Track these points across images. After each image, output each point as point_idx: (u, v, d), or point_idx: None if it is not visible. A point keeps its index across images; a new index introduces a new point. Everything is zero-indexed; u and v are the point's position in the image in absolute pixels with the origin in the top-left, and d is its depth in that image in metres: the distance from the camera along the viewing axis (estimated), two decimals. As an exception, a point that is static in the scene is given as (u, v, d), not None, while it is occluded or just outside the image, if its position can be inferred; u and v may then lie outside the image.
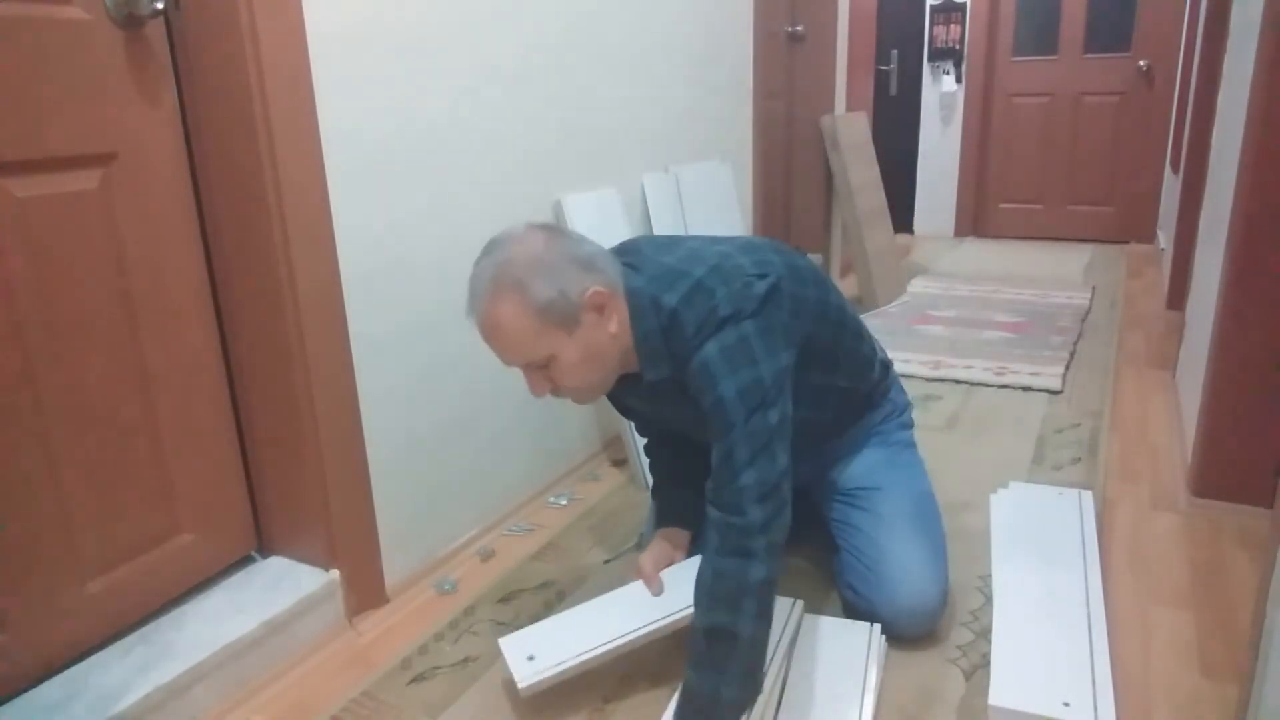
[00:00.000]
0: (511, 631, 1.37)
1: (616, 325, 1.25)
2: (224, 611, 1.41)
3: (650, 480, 1.68)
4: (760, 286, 1.25)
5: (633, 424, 1.66)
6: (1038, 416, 2.40)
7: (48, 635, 1.25)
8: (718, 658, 1.17)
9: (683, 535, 1.53)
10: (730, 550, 1.17)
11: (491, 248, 1.22)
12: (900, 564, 1.41)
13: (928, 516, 1.50)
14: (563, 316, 1.19)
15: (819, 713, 1.23)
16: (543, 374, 1.25)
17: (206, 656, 1.31)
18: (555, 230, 1.26)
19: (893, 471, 1.55)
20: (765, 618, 1.20)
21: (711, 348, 1.21)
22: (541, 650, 1.31)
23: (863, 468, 1.55)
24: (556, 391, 1.27)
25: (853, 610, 1.47)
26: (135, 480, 1.34)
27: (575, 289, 1.20)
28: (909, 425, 1.67)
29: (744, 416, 1.19)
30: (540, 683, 1.28)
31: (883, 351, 1.63)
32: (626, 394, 1.46)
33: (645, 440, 1.70)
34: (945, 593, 1.44)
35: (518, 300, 1.18)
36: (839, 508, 1.54)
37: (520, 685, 1.27)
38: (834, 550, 1.55)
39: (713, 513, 1.20)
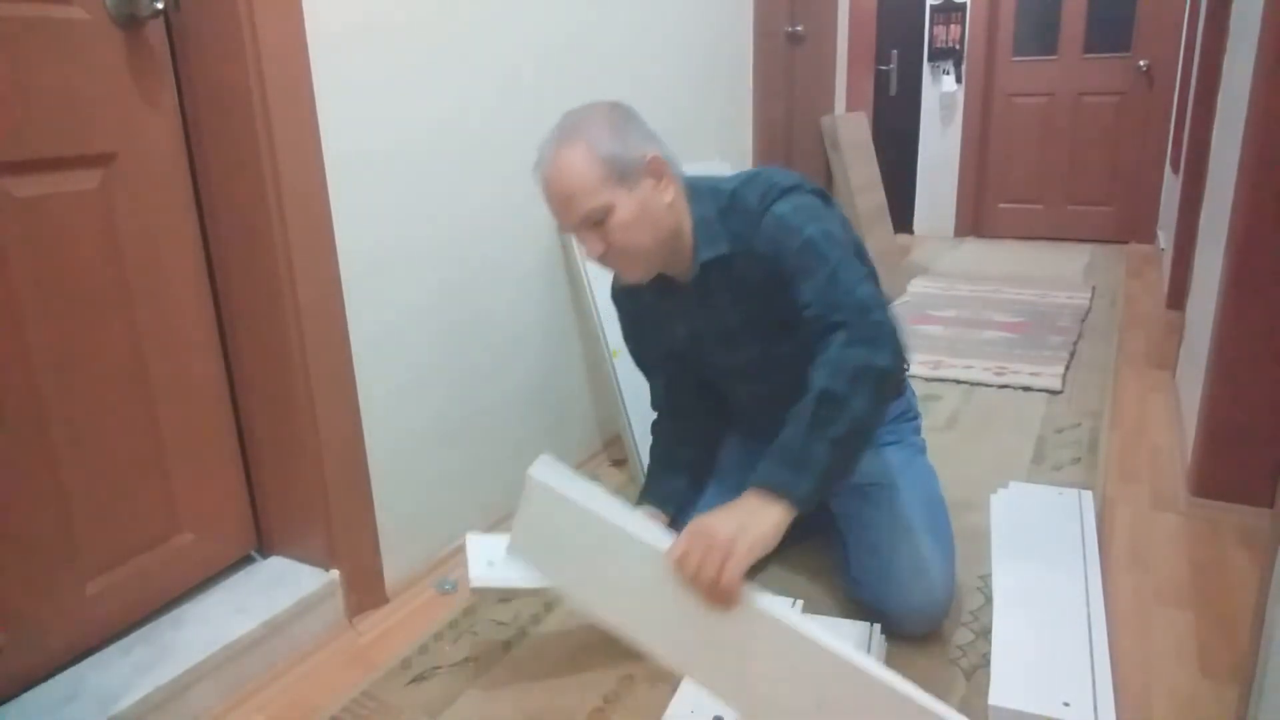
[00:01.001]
0: (495, 577, 1.38)
1: (672, 197, 1.35)
2: (224, 611, 1.41)
3: (645, 464, 1.70)
4: (810, 184, 1.39)
5: (652, 392, 1.68)
6: (1038, 416, 2.40)
7: (48, 635, 1.25)
8: (821, 418, 1.18)
9: (662, 518, 1.54)
10: (859, 340, 1.22)
11: (569, 114, 1.33)
12: (913, 562, 1.41)
13: (940, 518, 1.51)
14: (624, 171, 1.28)
15: (819, 713, 1.23)
16: (598, 232, 1.30)
17: (206, 656, 1.31)
18: (625, 106, 1.36)
19: (908, 471, 1.56)
20: (876, 410, 1.22)
21: (783, 206, 1.34)
22: (501, 562, 1.34)
23: (879, 464, 1.55)
24: (607, 256, 1.32)
25: (856, 605, 1.48)
26: (135, 480, 1.34)
27: (636, 151, 1.30)
28: (920, 432, 1.71)
29: (837, 253, 1.29)
30: (488, 589, 1.38)
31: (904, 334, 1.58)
32: (661, 324, 1.53)
33: (656, 417, 1.68)
34: (953, 594, 1.44)
35: (584, 148, 1.27)
36: (851, 502, 1.54)
37: (471, 584, 1.37)
38: (837, 545, 1.56)
39: (832, 327, 1.25)
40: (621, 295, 1.61)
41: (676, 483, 1.59)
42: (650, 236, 1.33)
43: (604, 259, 1.33)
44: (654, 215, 1.32)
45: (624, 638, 1.14)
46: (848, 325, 1.24)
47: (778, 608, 1.04)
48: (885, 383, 1.22)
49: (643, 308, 1.56)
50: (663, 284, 1.44)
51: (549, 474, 1.21)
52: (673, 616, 1.09)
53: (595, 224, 1.29)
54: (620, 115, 1.32)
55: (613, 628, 1.15)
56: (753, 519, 1.12)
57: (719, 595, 1.03)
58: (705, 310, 1.47)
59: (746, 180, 1.39)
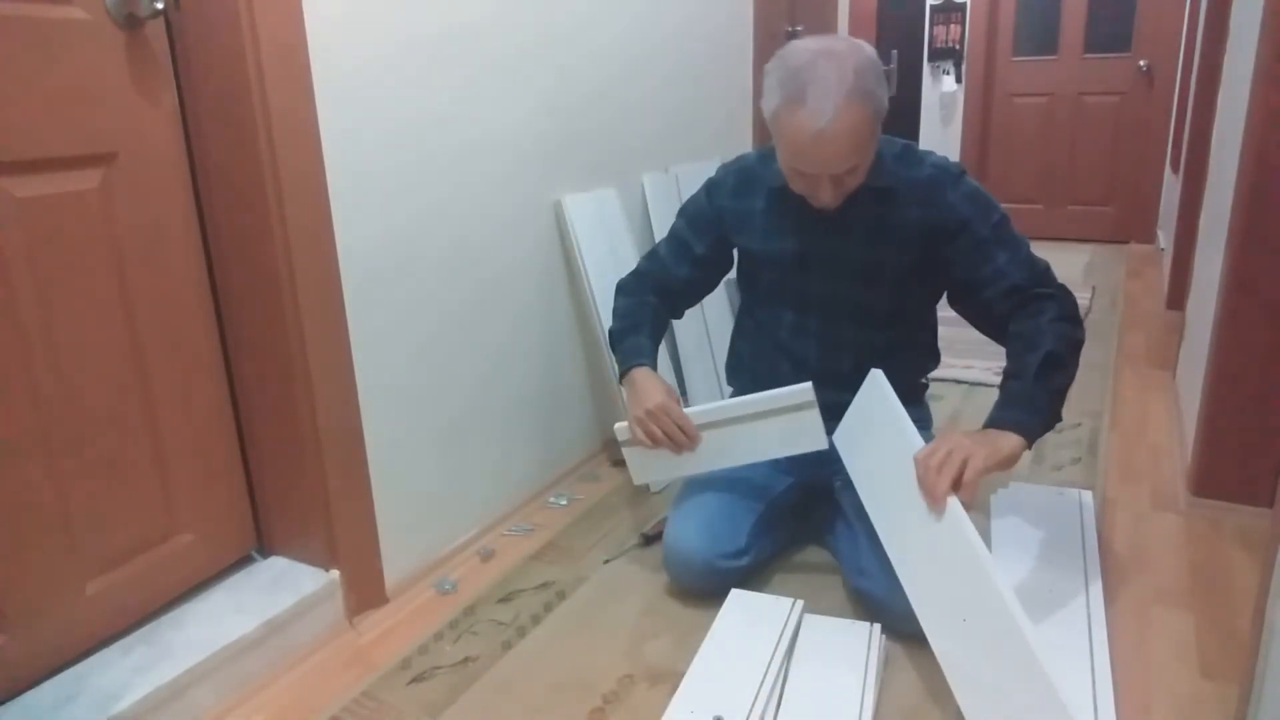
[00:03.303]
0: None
1: None
2: (224, 611, 1.41)
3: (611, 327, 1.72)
4: None
5: (651, 259, 1.75)
6: (1038, 416, 2.40)
7: (48, 635, 1.25)
8: (1047, 373, 1.36)
9: (655, 374, 1.59)
10: (1068, 316, 1.42)
11: (831, 52, 1.30)
12: None
13: None
14: (880, 125, 1.36)
15: (819, 712, 1.23)
16: (837, 181, 1.37)
17: (206, 656, 1.31)
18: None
19: None
20: (1072, 378, 1.41)
21: (975, 183, 1.49)
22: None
23: None
24: (836, 199, 1.40)
25: (861, 598, 1.48)
26: (135, 480, 1.34)
27: (886, 102, 1.36)
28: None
29: (1024, 238, 1.50)
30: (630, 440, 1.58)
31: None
32: (767, 232, 1.58)
33: (629, 276, 1.74)
34: None
35: (870, 111, 1.30)
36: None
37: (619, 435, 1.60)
38: (844, 539, 1.57)
39: (1040, 298, 1.44)
40: (725, 193, 1.64)
41: (643, 342, 1.63)
42: (863, 176, 1.42)
43: (829, 204, 1.41)
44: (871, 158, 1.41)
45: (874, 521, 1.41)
46: (1058, 300, 1.44)
47: (976, 538, 1.20)
48: (1080, 353, 1.42)
49: (747, 212, 1.61)
50: (794, 200, 1.49)
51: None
52: (904, 504, 1.31)
53: (840, 175, 1.36)
54: (878, 64, 1.35)
55: (869, 509, 1.43)
56: (997, 440, 1.31)
57: (946, 482, 1.22)
58: (832, 236, 1.52)
59: (911, 145, 1.52)
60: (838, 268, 1.55)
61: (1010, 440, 1.31)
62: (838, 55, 1.29)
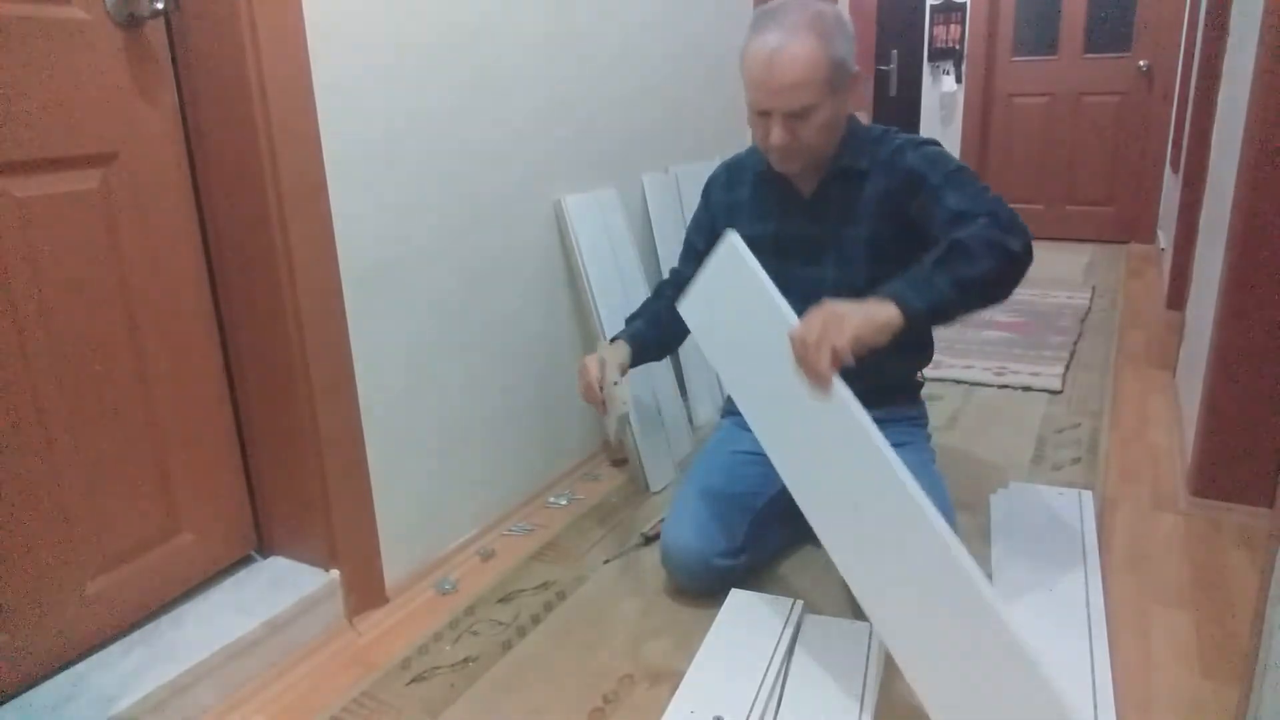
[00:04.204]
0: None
1: (849, 109, 1.49)
2: (224, 611, 1.41)
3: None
4: None
5: (674, 272, 1.80)
6: (1038, 416, 2.40)
7: (48, 635, 1.25)
8: (949, 261, 1.30)
9: (626, 353, 1.62)
10: (998, 226, 1.32)
11: (803, 2, 1.39)
12: None
13: (950, 520, 1.51)
14: (839, 79, 1.40)
15: (819, 713, 1.23)
16: (790, 124, 1.40)
17: (206, 656, 1.31)
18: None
19: (923, 474, 1.55)
20: (998, 282, 1.32)
21: (939, 148, 1.48)
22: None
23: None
24: (784, 147, 1.42)
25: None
26: (135, 480, 1.34)
27: (852, 63, 1.42)
28: (930, 440, 1.75)
29: (985, 185, 1.42)
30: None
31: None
32: (749, 219, 1.62)
33: (656, 286, 1.81)
34: None
35: (821, 46, 1.36)
36: None
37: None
38: None
39: (975, 219, 1.34)
40: (718, 187, 1.72)
41: (649, 333, 1.70)
42: (827, 141, 1.46)
43: (779, 148, 1.43)
44: (838, 123, 1.46)
45: (736, 401, 1.38)
46: (992, 216, 1.34)
47: (868, 420, 1.16)
48: (1012, 262, 1.32)
49: (735, 201, 1.67)
50: (775, 184, 1.56)
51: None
52: (780, 388, 1.25)
53: (794, 116, 1.39)
54: (847, 22, 1.42)
55: (731, 391, 1.39)
56: (869, 308, 1.25)
57: (826, 356, 1.17)
58: (807, 219, 1.55)
59: (891, 129, 1.55)
60: (814, 249, 1.57)
61: (887, 309, 1.25)
62: (806, 2, 1.39)
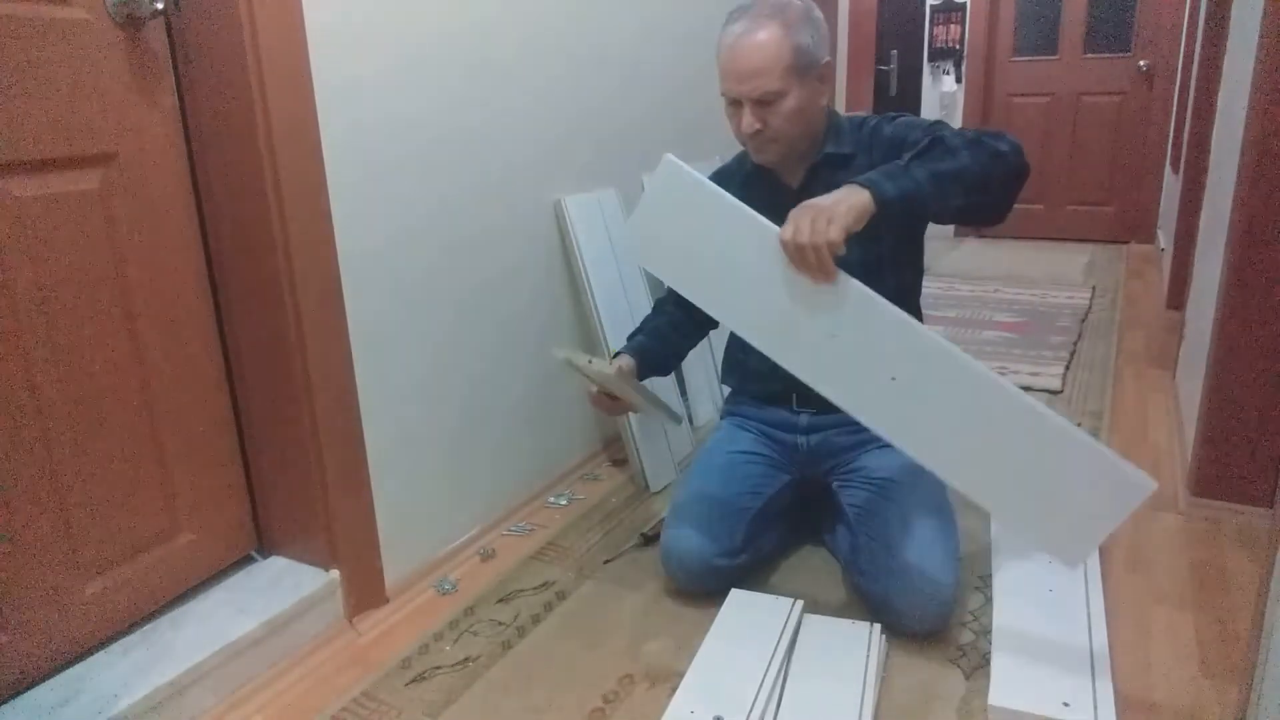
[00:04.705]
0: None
1: (825, 100, 1.52)
2: (224, 611, 1.41)
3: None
4: None
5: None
6: (1038, 416, 2.40)
7: (48, 635, 1.25)
8: (929, 154, 1.30)
9: (632, 365, 1.64)
10: (988, 134, 1.34)
11: None
12: (920, 554, 1.41)
13: (948, 524, 1.51)
14: (805, 66, 1.42)
15: (819, 712, 1.24)
16: (760, 112, 1.43)
17: (206, 656, 1.31)
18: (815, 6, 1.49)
19: (922, 475, 1.56)
20: (986, 177, 1.32)
21: (902, 118, 1.52)
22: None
23: (896, 463, 1.55)
24: (757, 135, 1.45)
25: (861, 598, 1.48)
26: (135, 480, 1.34)
27: (820, 52, 1.45)
28: None
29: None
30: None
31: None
32: (771, 208, 1.59)
33: (660, 302, 1.79)
34: (956, 594, 1.44)
35: (782, 32, 1.40)
36: (863, 495, 1.55)
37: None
38: (844, 537, 1.57)
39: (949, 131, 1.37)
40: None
41: (653, 344, 1.70)
42: (800, 130, 1.48)
43: (753, 136, 1.46)
44: (811, 113, 1.48)
45: (725, 323, 1.36)
46: (979, 131, 1.36)
47: (870, 291, 1.21)
48: (996, 159, 1.32)
49: None
50: (762, 180, 1.57)
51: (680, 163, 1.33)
52: (778, 297, 1.26)
53: (761, 104, 1.42)
54: (816, 13, 1.46)
55: (716, 315, 1.36)
56: (845, 194, 1.26)
57: (825, 252, 1.19)
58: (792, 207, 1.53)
59: (868, 116, 1.58)
60: None
61: (860, 194, 1.25)
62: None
